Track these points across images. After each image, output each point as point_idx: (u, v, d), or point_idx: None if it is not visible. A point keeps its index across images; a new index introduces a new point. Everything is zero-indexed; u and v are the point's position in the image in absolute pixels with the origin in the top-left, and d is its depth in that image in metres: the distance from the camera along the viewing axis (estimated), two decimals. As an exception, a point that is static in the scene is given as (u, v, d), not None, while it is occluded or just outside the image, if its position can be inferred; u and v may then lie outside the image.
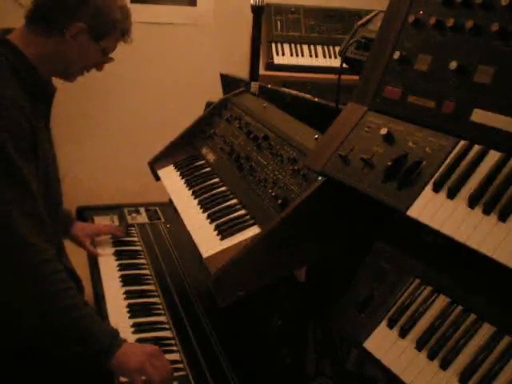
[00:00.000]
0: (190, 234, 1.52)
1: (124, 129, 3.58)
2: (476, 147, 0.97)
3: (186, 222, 1.59)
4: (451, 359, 0.92)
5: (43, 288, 1.34)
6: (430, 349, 0.95)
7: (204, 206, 1.61)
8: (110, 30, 1.54)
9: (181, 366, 1.41)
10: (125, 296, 1.68)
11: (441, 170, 0.98)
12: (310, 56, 3.40)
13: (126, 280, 1.76)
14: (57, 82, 1.63)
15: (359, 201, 1.11)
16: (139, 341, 1.47)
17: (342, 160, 1.13)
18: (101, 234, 1.98)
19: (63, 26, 1.46)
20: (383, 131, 1.08)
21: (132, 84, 3.51)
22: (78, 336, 1.35)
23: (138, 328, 1.53)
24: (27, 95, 1.45)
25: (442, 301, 1.00)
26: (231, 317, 1.58)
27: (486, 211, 0.89)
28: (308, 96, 1.80)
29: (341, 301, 1.13)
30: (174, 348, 1.47)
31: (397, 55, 1.13)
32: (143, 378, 1.33)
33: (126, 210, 2.25)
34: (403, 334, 1.00)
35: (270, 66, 3.33)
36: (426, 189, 0.98)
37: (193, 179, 1.79)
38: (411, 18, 1.12)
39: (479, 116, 0.97)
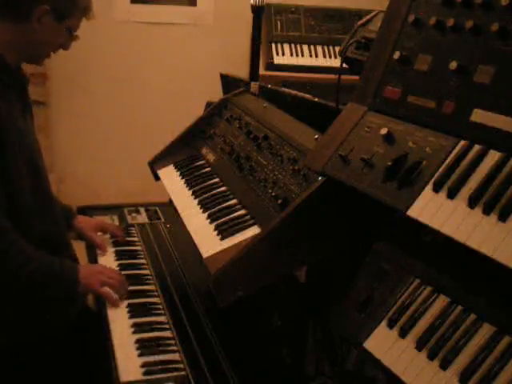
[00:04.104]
0: (190, 234, 1.52)
1: (124, 129, 3.59)
2: (476, 147, 0.97)
3: (185, 222, 1.59)
4: (451, 359, 0.92)
5: None
6: (430, 349, 0.95)
7: (204, 205, 1.61)
8: (72, 8, 1.55)
9: (181, 366, 1.41)
10: (124, 298, 1.68)
11: (441, 170, 0.98)
12: (310, 56, 3.40)
13: (126, 280, 1.76)
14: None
15: (359, 201, 1.11)
16: (139, 341, 1.47)
17: (342, 160, 1.13)
18: (104, 230, 1.98)
19: (28, 12, 1.48)
20: (383, 131, 1.08)
21: (132, 84, 3.51)
22: (41, 283, 1.50)
23: (138, 328, 1.53)
24: None
25: (442, 301, 1.00)
26: (231, 317, 1.58)
27: (486, 211, 0.89)
28: (308, 96, 1.80)
29: (341, 301, 1.13)
30: (174, 348, 1.47)
31: (397, 55, 1.13)
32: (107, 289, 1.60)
33: (126, 210, 2.25)
34: (403, 334, 1.00)
35: (270, 66, 3.33)
36: (426, 189, 0.98)
37: (193, 179, 1.79)
38: (411, 18, 1.12)
39: (479, 116, 0.97)
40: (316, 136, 1.46)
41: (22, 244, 1.47)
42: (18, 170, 1.47)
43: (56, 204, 1.72)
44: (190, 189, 1.74)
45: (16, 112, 1.52)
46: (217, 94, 2.22)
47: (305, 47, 3.44)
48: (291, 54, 3.40)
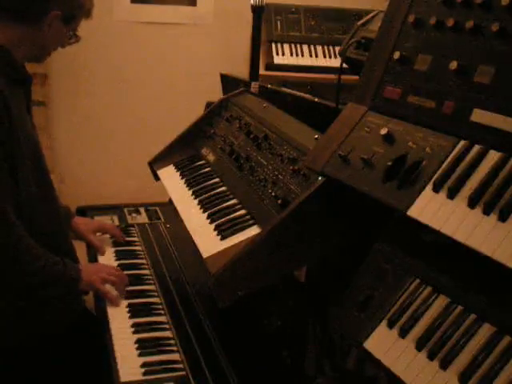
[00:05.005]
0: (190, 233, 1.52)
1: (124, 129, 3.58)
2: (476, 147, 0.97)
3: (185, 222, 1.59)
4: (451, 359, 0.92)
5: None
6: (430, 349, 0.95)
7: (204, 205, 1.61)
8: (79, 12, 1.59)
9: (181, 366, 1.41)
10: (125, 296, 1.68)
11: (441, 170, 0.98)
12: (310, 56, 3.40)
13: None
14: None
15: (359, 201, 1.11)
16: (139, 341, 1.47)
17: (342, 160, 1.13)
18: (104, 232, 1.98)
19: (39, 16, 1.50)
20: (383, 131, 1.08)
21: (132, 84, 3.51)
22: (44, 283, 1.51)
23: (138, 328, 1.53)
24: (4, 78, 1.46)
25: (441, 301, 1.00)
26: (231, 317, 1.58)
27: (486, 211, 0.89)
28: (308, 96, 1.80)
29: (341, 301, 1.13)
30: (174, 348, 1.47)
31: (397, 55, 1.13)
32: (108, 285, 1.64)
33: (126, 210, 2.25)
34: (403, 334, 1.00)
35: (270, 66, 3.33)
36: (426, 189, 0.98)
37: (193, 179, 1.79)
38: (411, 18, 1.12)
39: (479, 116, 0.97)
40: (316, 136, 1.46)
41: (30, 241, 1.48)
42: (24, 168, 1.48)
43: (59, 204, 1.73)
44: (190, 189, 1.74)
45: (22, 109, 1.53)
46: (217, 94, 2.22)
47: (305, 47, 3.44)
48: (291, 54, 3.40)
